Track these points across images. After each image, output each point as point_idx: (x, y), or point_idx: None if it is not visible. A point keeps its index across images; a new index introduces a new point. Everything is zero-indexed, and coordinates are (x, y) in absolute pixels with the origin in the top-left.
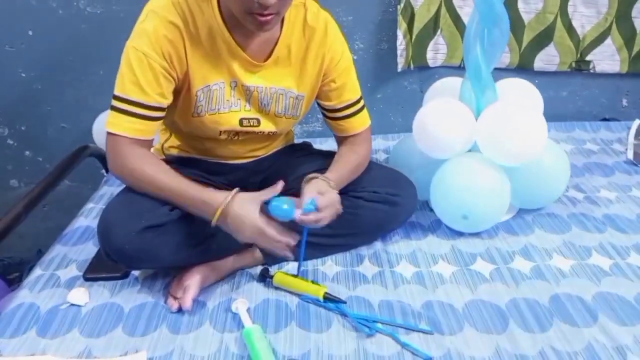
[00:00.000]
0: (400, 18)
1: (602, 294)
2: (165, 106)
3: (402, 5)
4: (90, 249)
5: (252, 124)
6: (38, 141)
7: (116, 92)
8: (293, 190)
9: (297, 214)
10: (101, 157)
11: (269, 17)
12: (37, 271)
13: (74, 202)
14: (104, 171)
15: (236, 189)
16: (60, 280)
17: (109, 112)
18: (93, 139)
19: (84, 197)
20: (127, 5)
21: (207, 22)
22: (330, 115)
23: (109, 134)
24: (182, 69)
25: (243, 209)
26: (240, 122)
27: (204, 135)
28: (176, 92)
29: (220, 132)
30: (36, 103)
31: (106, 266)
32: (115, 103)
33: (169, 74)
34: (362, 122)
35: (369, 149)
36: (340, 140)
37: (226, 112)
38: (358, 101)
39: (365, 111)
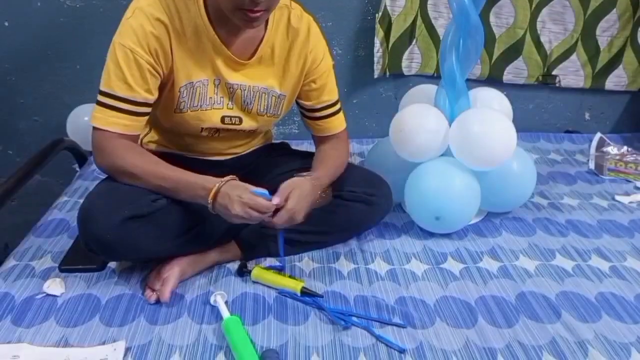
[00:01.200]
0: (378, 27)
1: (565, 292)
2: (152, 102)
3: (380, 14)
4: (65, 241)
5: (234, 122)
6: (9, 134)
7: (102, 88)
8: (273, 187)
9: (275, 201)
10: (75, 151)
11: (258, 14)
12: (11, 261)
13: (43, 197)
14: (76, 166)
15: (231, 176)
16: (35, 270)
17: (94, 106)
18: (66, 133)
19: (53, 192)
20: (107, 1)
21: (192, 20)
22: (309, 115)
23: (95, 129)
24: (167, 65)
25: (234, 188)
26: (222, 119)
27: (185, 132)
28: (160, 88)
29: (202, 129)
30: (9, 95)
31: (82, 258)
32: (101, 98)
33: (155, 70)
34: (339, 123)
35: (348, 149)
36: (319, 141)
37: (208, 109)
38: (336, 103)
39: (342, 114)
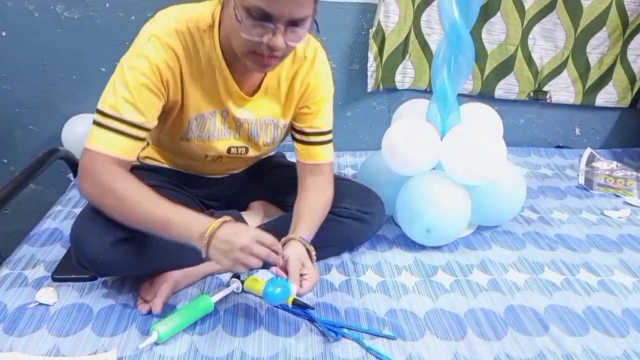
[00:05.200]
0: (371, 41)
1: (553, 306)
2: (152, 128)
3: (374, 29)
4: (58, 250)
5: (239, 152)
6: (4, 143)
7: (106, 109)
8: (268, 197)
9: (294, 290)
10: (70, 161)
11: (273, 60)
12: (3, 270)
13: (37, 206)
14: (71, 175)
15: (224, 217)
16: (27, 279)
17: (92, 127)
18: (61, 143)
19: (47, 201)
20: (105, 13)
21: (206, 54)
22: (298, 137)
23: (88, 150)
24: (175, 95)
25: (237, 225)
26: (229, 150)
27: (189, 157)
28: (164, 114)
29: (207, 155)
30: (5, 104)
31: (75, 268)
32: (103, 120)
33: (163, 98)
34: (325, 154)
35: (332, 184)
36: (303, 170)
37: (215, 139)
38: (326, 133)
39: (331, 146)
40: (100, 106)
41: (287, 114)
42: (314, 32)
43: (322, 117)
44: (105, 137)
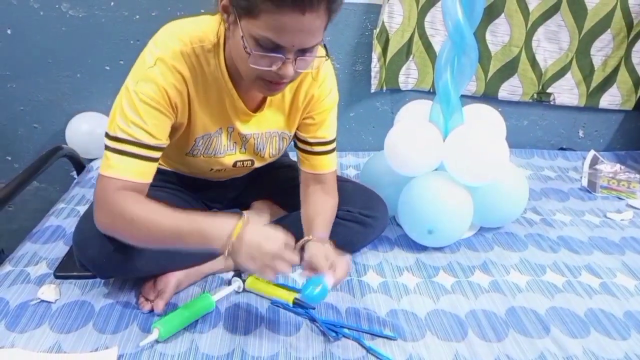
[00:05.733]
0: (375, 42)
1: (554, 308)
2: (166, 147)
3: (377, 30)
4: (61, 248)
5: (245, 165)
6: (8, 140)
7: (118, 134)
8: (272, 198)
9: (330, 283)
10: (74, 159)
11: (280, 86)
12: (6, 267)
13: (41, 204)
14: (74, 173)
15: (244, 216)
16: (30, 276)
17: (104, 154)
18: (65, 141)
19: (51, 199)
20: (109, 12)
21: (212, 73)
22: (302, 147)
23: (101, 177)
24: (182, 117)
25: (264, 228)
26: (235, 164)
27: (193, 168)
28: (172, 132)
29: (212, 169)
30: (9, 102)
31: (77, 265)
32: (114, 144)
33: (172, 118)
34: (330, 163)
35: (336, 194)
36: (306, 178)
37: (222, 156)
38: (330, 142)
39: (335, 154)
40: (110, 131)
41: (291, 125)
42: (324, 56)
43: (327, 127)
44: (119, 161)
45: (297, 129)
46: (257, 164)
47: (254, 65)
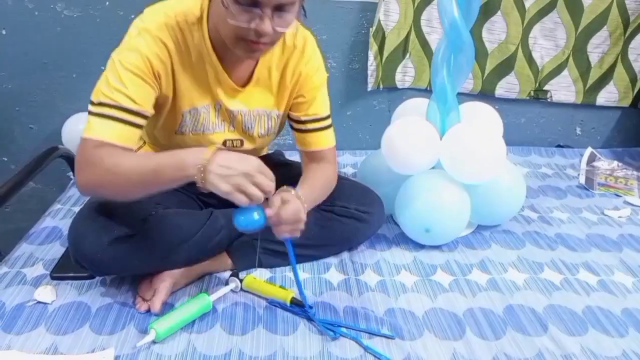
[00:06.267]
0: (372, 40)
1: (552, 306)
2: (149, 116)
3: (374, 28)
4: (57, 249)
5: (235, 144)
6: (4, 141)
7: (101, 99)
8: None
9: (269, 212)
10: (70, 159)
11: (261, 46)
12: (2, 268)
13: (37, 204)
14: (70, 174)
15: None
16: (26, 278)
17: (87, 118)
18: (61, 141)
19: (47, 199)
20: (104, 12)
21: (196, 46)
22: (297, 127)
23: (83, 140)
24: (167, 89)
25: (239, 153)
26: (224, 142)
27: None
28: (158, 107)
29: None
30: (5, 103)
31: (74, 266)
32: (97, 109)
33: (155, 88)
34: (327, 139)
35: (335, 170)
36: (306, 157)
37: (210, 133)
38: (325, 118)
39: (331, 130)
40: (93, 98)
41: (280, 104)
42: (301, 18)
43: (318, 104)
44: (99, 124)
45: (290, 109)
46: (247, 145)
47: (232, 20)
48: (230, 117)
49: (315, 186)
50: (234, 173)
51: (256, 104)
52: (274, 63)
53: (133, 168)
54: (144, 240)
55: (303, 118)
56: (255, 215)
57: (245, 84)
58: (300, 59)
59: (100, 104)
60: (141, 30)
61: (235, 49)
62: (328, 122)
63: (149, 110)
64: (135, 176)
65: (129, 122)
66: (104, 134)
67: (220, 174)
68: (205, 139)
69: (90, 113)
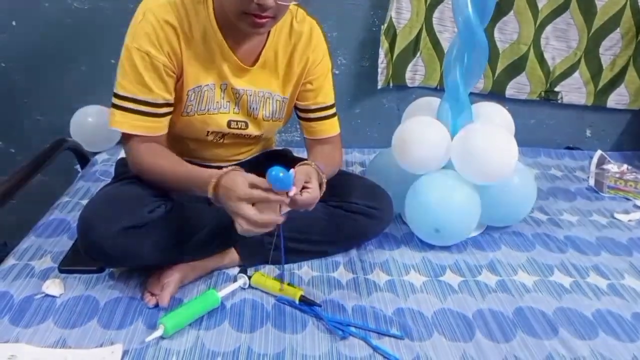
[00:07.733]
0: (382, 38)
1: (562, 309)
2: (172, 101)
3: (385, 26)
4: (65, 242)
5: (239, 126)
6: (12, 132)
7: (121, 92)
8: None
9: (293, 190)
10: (78, 152)
11: (265, 20)
12: (10, 261)
13: (44, 197)
14: (78, 166)
15: (231, 167)
16: (34, 270)
17: (111, 110)
18: (69, 134)
19: (54, 192)
20: (114, 3)
21: (201, 24)
22: (303, 116)
23: (124, 134)
24: (178, 67)
25: (233, 179)
26: (229, 123)
27: (191, 136)
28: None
29: (208, 132)
30: (14, 94)
31: (82, 259)
32: (120, 102)
33: (170, 70)
34: (332, 127)
35: (341, 155)
36: (311, 145)
37: (215, 113)
38: (331, 107)
39: (336, 119)
40: (115, 89)
41: (286, 89)
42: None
43: (325, 93)
44: (126, 118)
45: (297, 99)
46: (252, 128)
47: None
48: (235, 97)
49: (327, 165)
50: (230, 198)
51: (261, 85)
52: (281, 47)
53: (173, 173)
54: (152, 230)
55: (312, 107)
56: (284, 178)
57: (252, 65)
58: (307, 45)
59: (122, 97)
60: (146, 11)
61: (239, 24)
62: (333, 110)
63: (168, 97)
64: (173, 180)
65: (151, 113)
66: (131, 128)
67: (224, 195)
68: (211, 119)
69: (112, 104)
